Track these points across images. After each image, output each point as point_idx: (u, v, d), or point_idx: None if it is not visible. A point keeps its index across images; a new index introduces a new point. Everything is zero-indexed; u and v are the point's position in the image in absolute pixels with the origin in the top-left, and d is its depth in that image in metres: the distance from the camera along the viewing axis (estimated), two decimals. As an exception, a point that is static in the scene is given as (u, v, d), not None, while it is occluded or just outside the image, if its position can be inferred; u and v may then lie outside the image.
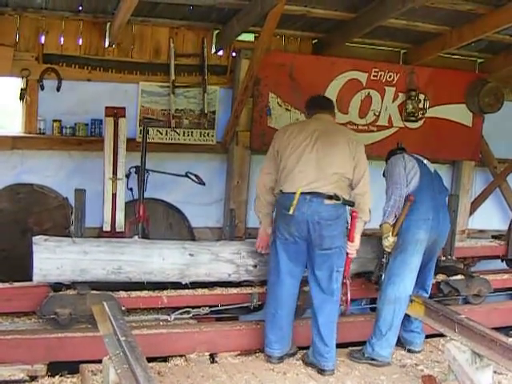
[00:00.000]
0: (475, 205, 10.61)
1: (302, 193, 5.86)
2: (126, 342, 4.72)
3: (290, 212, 5.85)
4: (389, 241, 6.46)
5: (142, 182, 7.34)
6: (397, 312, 6.44)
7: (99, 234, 7.71)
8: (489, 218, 10.82)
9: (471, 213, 10.60)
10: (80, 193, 6.62)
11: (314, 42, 9.32)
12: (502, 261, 9.40)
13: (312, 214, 5.89)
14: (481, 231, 10.63)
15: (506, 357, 5.29)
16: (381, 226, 6.53)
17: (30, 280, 6.43)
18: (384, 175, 6.77)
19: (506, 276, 8.47)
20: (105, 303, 5.53)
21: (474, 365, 5.55)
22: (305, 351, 6.51)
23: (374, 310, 7.42)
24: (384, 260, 6.59)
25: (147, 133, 7.44)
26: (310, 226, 5.92)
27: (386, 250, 6.55)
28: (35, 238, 6.20)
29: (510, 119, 10.50)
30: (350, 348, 6.66)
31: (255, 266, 6.80)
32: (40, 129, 8.27)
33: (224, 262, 6.68)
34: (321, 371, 6.14)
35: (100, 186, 7.75)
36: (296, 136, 6.05)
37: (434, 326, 6.46)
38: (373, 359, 6.38)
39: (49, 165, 8.42)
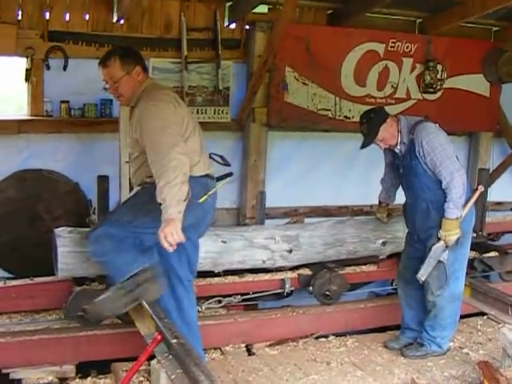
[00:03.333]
0: (493, 177, 10.24)
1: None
2: (179, 344, 4.35)
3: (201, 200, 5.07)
4: (457, 235, 5.63)
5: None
6: (460, 306, 6.09)
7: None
8: (506, 190, 10.52)
9: (489, 185, 10.27)
10: (103, 179, 6.26)
11: (328, 12, 8.89)
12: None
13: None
14: (498, 203, 10.32)
15: None
16: (450, 220, 5.57)
17: (43, 271, 6.13)
18: (419, 154, 5.70)
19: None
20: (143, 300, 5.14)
21: (530, 349, 5.33)
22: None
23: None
24: (445, 258, 5.70)
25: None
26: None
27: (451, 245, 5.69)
28: (58, 231, 5.79)
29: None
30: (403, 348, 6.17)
31: (290, 251, 6.48)
32: (47, 111, 7.81)
33: (258, 247, 6.35)
34: None
35: (111, 170, 7.31)
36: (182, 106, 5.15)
37: (481, 308, 6.31)
38: (438, 353, 6.04)
39: (57, 149, 7.98)
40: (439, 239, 5.64)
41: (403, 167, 5.91)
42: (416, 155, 5.69)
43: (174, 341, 4.38)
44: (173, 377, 4.17)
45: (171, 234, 4.45)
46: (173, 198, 4.48)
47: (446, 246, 5.63)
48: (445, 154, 5.58)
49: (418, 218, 5.89)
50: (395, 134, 5.79)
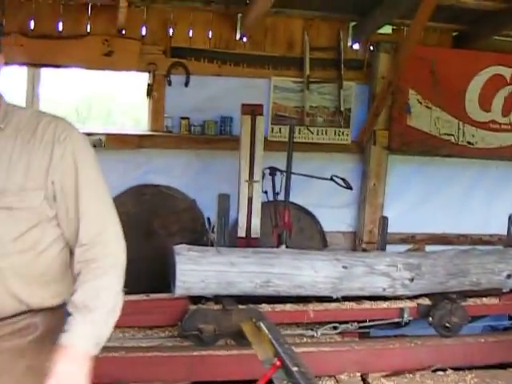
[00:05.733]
0: None
1: None
2: (300, 372, 4.17)
3: None
4: None
5: (288, 186, 6.85)
6: None
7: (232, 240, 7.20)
8: None
9: None
10: (224, 197, 6.19)
11: (454, 34, 8.62)
12: None
13: None
14: None
15: None
16: None
17: (155, 287, 6.10)
18: None
19: None
20: (261, 323, 5.01)
21: None
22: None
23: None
24: None
25: (293, 132, 6.93)
26: None
27: None
28: (177, 248, 5.75)
29: None
30: None
31: (412, 280, 6.23)
32: (167, 126, 7.82)
33: (379, 275, 6.14)
34: None
35: (228, 188, 7.24)
36: None
37: None
38: None
39: (175, 165, 7.97)
40: None
41: None
42: None
43: (295, 368, 4.21)
44: (292, 407, 4.01)
45: None
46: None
47: None
48: None
49: None
50: None
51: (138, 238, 7.72)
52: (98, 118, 8.74)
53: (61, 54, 7.33)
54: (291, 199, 7.59)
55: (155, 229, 7.82)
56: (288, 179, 6.88)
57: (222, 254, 5.80)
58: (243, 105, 7.02)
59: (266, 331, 4.82)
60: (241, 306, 5.81)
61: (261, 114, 6.99)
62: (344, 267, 6.02)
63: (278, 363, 4.36)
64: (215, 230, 6.35)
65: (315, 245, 8.17)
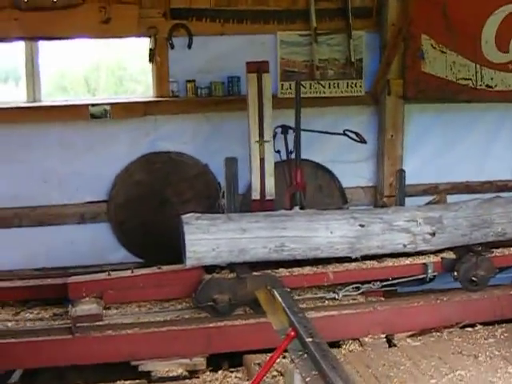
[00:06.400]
0: None
1: None
2: (314, 343, 3.98)
3: None
4: None
5: (298, 144, 6.59)
6: None
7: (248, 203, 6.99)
8: None
9: None
10: (231, 161, 5.98)
11: (465, -28, 8.25)
12: None
13: None
14: None
15: None
16: None
17: (173, 256, 5.86)
18: None
19: None
20: (275, 291, 4.81)
21: None
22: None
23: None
24: None
25: (300, 88, 6.68)
26: None
27: None
28: (185, 217, 5.56)
29: None
30: None
31: (433, 234, 5.98)
32: (173, 91, 7.59)
33: (398, 231, 5.90)
34: None
35: (241, 150, 7.02)
36: None
37: None
38: None
39: (184, 130, 7.77)
40: None
41: None
42: None
43: (309, 339, 4.03)
44: (308, 379, 3.81)
45: None
46: None
47: None
48: None
49: None
50: None
51: (152, 207, 7.58)
52: (108, 87, 8.48)
53: (57, 25, 7.14)
54: (307, 157, 7.42)
55: (169, 197, 7.64)
56: (298, 137, 6.64)
57: (233, 220, 5.58)
58: (248, 63, 6.76)
59: (280, 299, 4.64)
60: (255, 273, 5.59)
61: (266, 71, 6.73)
62: (361, 225, 5.79)
63: (293, 333, 4.19)
64: (225, 195, 6.14)
65: (335, 202, 7.95)
